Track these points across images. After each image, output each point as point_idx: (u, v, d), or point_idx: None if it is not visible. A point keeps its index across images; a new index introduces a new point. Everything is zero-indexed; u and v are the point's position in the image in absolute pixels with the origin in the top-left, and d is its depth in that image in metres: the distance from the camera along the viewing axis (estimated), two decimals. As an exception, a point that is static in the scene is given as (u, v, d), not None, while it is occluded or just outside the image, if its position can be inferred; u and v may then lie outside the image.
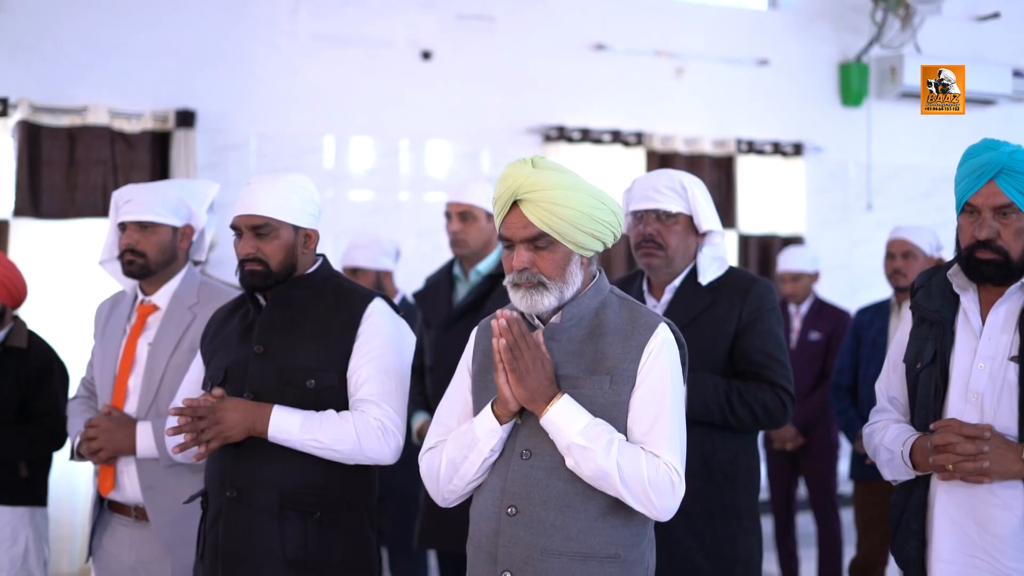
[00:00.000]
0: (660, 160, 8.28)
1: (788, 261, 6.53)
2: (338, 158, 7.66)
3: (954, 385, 2.86)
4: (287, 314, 3.23)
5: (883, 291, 6.52)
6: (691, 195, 3.57)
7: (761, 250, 8.61)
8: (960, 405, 2.83)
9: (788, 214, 8.76)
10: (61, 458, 4.54)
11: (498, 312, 2.68)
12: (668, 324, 2.73)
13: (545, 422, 2.62)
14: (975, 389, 2.82)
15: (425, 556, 5.66)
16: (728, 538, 3.46)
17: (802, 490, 6.48)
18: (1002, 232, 2.80)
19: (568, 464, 2.61)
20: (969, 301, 2.90)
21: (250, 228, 3.21)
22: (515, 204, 2.66)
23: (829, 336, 6.22)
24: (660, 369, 2.66)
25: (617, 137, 8.14)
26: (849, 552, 6.15)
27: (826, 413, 6.14)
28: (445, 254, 6.55)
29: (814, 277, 6.52)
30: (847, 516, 6.54)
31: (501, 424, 2.66)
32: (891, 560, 5.62)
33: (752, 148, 8.62)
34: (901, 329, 3.07)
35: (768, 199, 8.68)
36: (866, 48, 8.89)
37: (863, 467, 5.36)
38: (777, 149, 8.69)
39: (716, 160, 8.52)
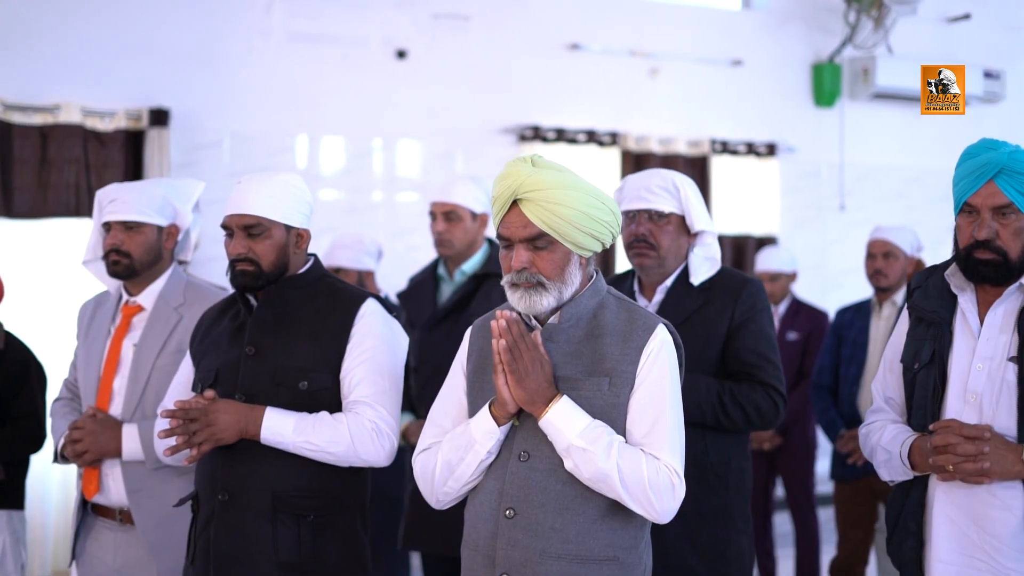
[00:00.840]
0: (635, 160, 8.28)
1: (766, 261, 6.53)
2: (311, 157, 7.60)
3: (952, 386, 2.86)
4: (279, 314, 3.19)
5: (857, 291, 6.54)
6: (683, 195, 3.57)
7: (735, 250, 8.62)
8: (958, 406, 2.83)
9: (762, 214, 8.78)
10: (34, 461, 4.48)
11: (497, 312, 2.65)
12: (666, 325, 2.72)
13: (544, 424, 2.60)
14: (973, 389, 2.82)
15: (408, 558, 5.63)
16: (721, 539, 3.47)
17: (779, 490, 6.49)
18: (1001, 232, 2.80)
19: (567, 466, 2.59)
20: (967, 301, 2.90)
21: (242, 228, 3.17)
22: (514, 203, 2.64)
23: (807, 336, 6.23)
24: (659, 370, 2.65)
25: (592, 137, 8.13)
26: (827, 551, 6.17)
27: (804, 413, 6.15)
28: (420, 254, 6.51)
29: (792, 277, 6.52)
30: (824, 515, 6.56)
31: (499, 426, 2.64)
32: (871, 560, 5.66)
33: (726, 148, 8.63)
34: (897, 329, 3.07)
35: (742, 199, 8.69)
36: (839, 49, 8.94)
37: (844, 467, 5.38)
38: (751, 149, 8.71)
39: (690, 160, 8.52)
